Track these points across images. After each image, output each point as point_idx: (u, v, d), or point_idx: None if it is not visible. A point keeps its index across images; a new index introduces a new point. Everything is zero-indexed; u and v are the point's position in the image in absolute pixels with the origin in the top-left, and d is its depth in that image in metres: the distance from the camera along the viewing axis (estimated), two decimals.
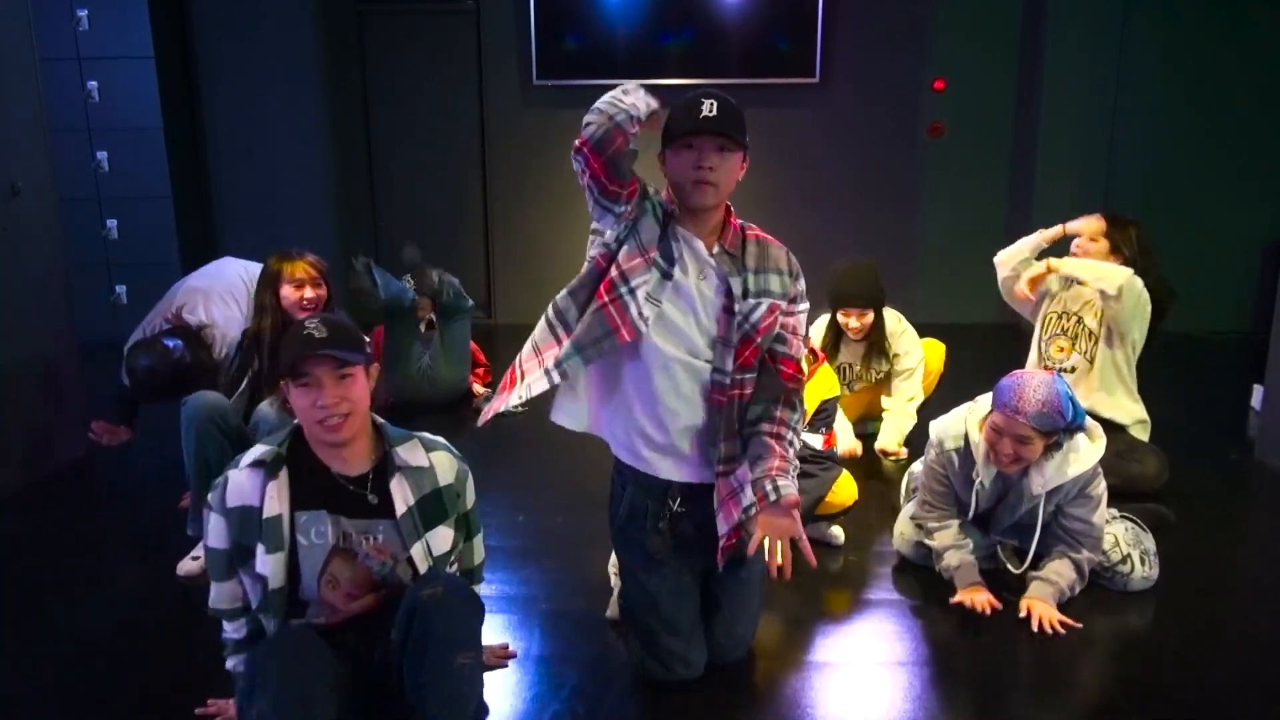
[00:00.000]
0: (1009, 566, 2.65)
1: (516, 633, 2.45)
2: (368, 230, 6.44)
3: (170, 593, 2.67)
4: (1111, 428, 3.24)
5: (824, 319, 3.65)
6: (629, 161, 1.94)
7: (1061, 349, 3.32)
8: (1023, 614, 2.47)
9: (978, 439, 2.54)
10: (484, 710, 1.96)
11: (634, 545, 2.20)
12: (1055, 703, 2.22)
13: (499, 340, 5.86)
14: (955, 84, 6.02)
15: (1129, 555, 2.62)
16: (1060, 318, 3.35)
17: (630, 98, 1.94)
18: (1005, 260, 3.40)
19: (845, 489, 3.05)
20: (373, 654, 1.82)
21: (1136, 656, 2.43)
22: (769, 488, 2.01)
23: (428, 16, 6.14)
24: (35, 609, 2.63)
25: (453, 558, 1.95)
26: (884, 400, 3.72)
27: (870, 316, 3.56)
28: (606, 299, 2.02)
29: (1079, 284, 3.30)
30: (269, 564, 1.78)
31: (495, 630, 2.42)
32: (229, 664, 1.92)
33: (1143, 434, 3.33)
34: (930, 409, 3.32)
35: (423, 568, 1.86)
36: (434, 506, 1.90)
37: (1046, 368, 3.29)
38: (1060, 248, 3.40)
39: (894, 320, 3.68)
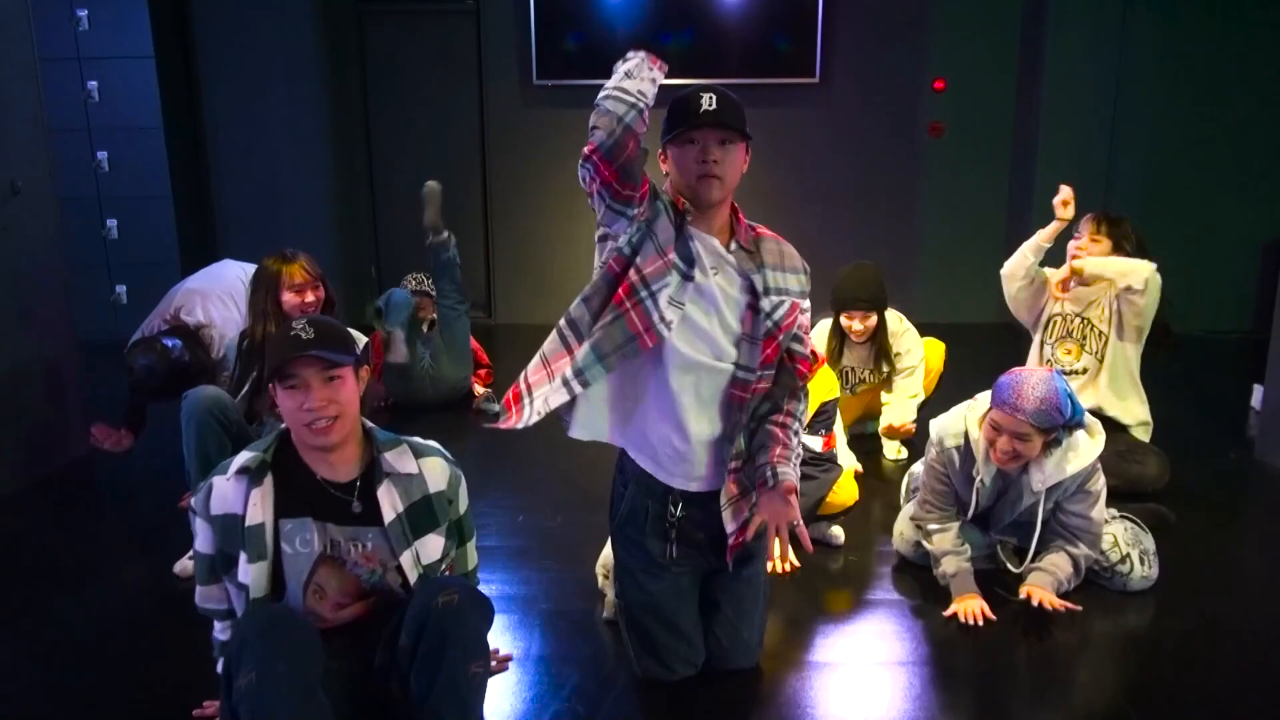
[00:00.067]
0: (1008, 566, 2.66)
1: (516, 633, 2.45)
2: (368, 230, 6.45)
3: (170, 591, 2.67)
4: (1114, 428, 3.24)
5: (826, 323, 3.65)
6: (641, 163, 1.91)
7: (1069, 351, 3.32)
8: (1022, 596, 2.48)
9: (977, 436, 2.55)
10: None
11: (633, 545, 2.19)
12: (1055, 702, 2.22)
13: (499, 340, 5.86)
14: (955, 84, 6.02)
15: (1128, 555, 2.62)
16: (1065, 320, 3.35)
17: (635, 82, 1.87)
18: (1012, 272, 3.34)
19: (845, 489, 3.05)
20: (368, 659, 1.79)
21: (1136, 656, 2.43)
22: (769, 474, 2.04)
23: (428, 16, 6.15)
24: (35, 608, 2.63)
25: (444, 565, 1.91)
26: (884, 396, 3.73)
27: (874, 319, 3.56)
28: (628, 304, 1.96)
29: (1082, 284, 3.31)
30: (251, 573, 1.74)
31: (495, 630, 2.42)
32: (219, 665, 1.87)
33: (1144, 435, 3.33)
34: (930, 408, 3.32)
35: (412, 576, 1.82)
36: (424, 514, 1.86)
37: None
38: (1059, 249, 3.39)
39: (895, 320, 3.68)
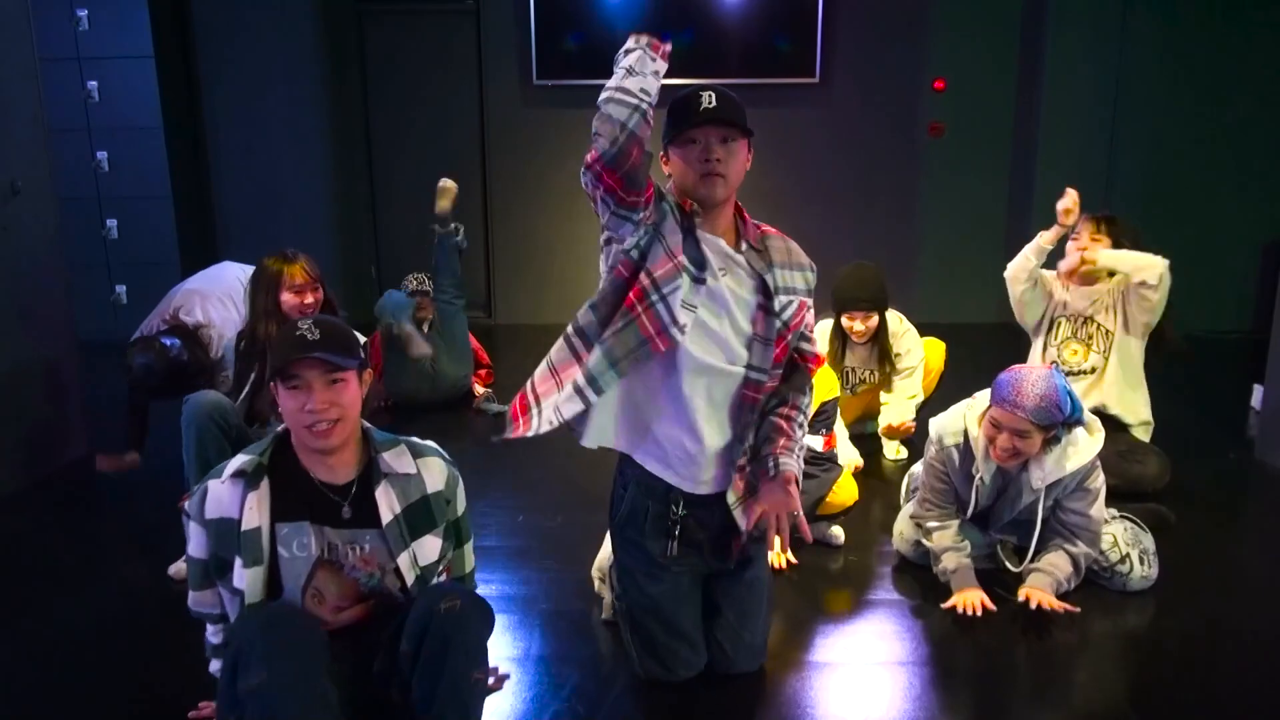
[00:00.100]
0: (1008, 565, 2.66)
1: (516, 633, 2.45)
2: (368, 230, 6.45)
3: (169, 592, 2.66)
4: (1115, 427, 3.25)
5: (827, 323, 3.65)
6: (646, 168, 1.88)
7: (1075, 352, 3.32)
8: (1021, 599, 2.48)
9: (976, 434, 2.55)
10: None
11: (633, 546, 2.19)
12: (1055, 702, 2.22)
13: (499, 340, 5.86)
14: (955, 84, 6.02)
15: (1128, 555, 2.62)
16: (1069, 321, 3.35)
17: (637, 79, 1.84)
18: (1015, 275, 3.33)
19: (845, 489, 3.05)
20: (367, 663, 1.77)
21: (1136, 656, 2.43)
22: (771, 464, 2.05)
23: (428, 16, 6.15)
24: (35, 608, 2.63)
25: (441, 567, 1.89)
26: (883, 396, 3.73)
27: (875, 320, 3.56)
28: (639, 308, 1.95)
29: (1085, 283, 3.31)
30: (246, 578, 1.72)
31: (495, 631, 2.41)
32: (212, 667, 1.88)
33: (1144, 435, 3.34)
34: (930, 408, 3.32)
35: (409, 578, 1.80)
36: (422, 514, 1.84)
37: (1062, 372, 3.29)
38: (1059, 251, 3.39)
39: (895, 321, 3.68)
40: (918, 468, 2.95)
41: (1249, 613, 2.59)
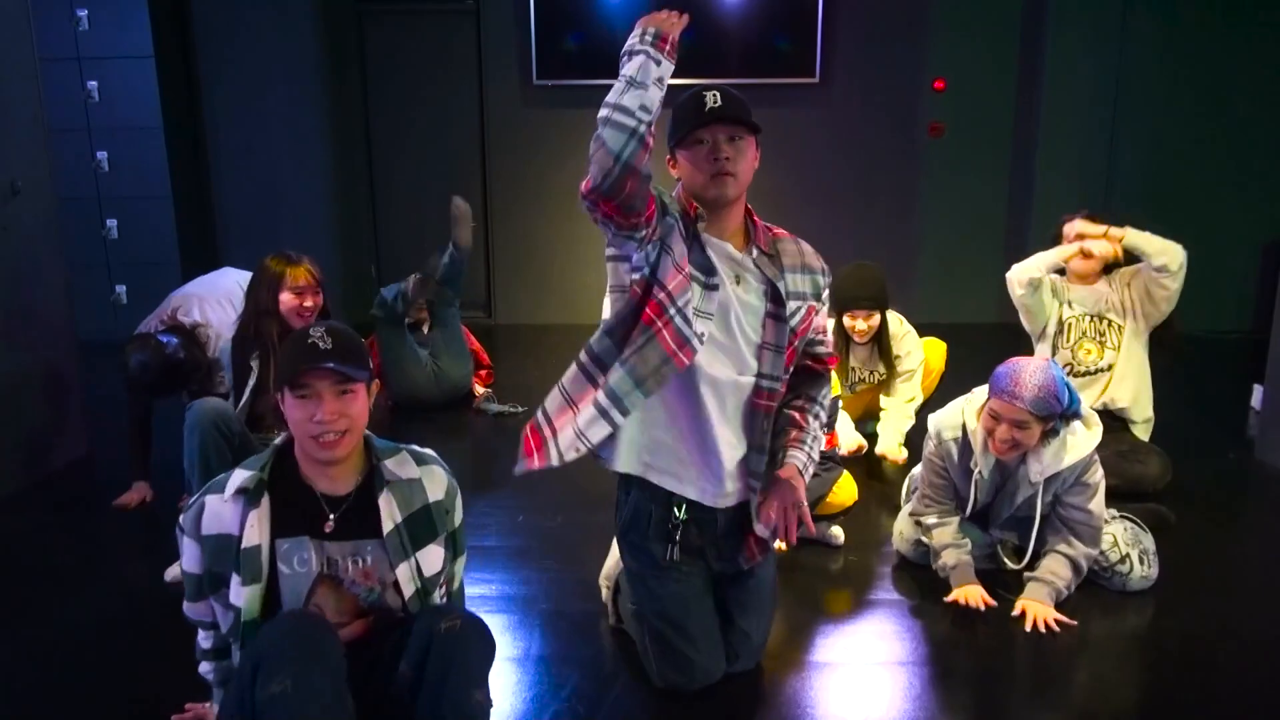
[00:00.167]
0: (1008, 563, 2.66)
1: (516, 633, 2.45)
2: (368, 230, 6.45)
3: (168, 592, 2.66)
4: (1119, 426, 3.26)
5: (828, 323, 3.64)
6: (644, 192, 1.83)
7: (1089, 352, 3.32)
8: (1016, 613, 2.49)
9: (975, 427, 2.56)
10: None
11: (639, 550, 2.16)
12: (1054, 703, 2.22)
13: (499, 340, 5.86)
14: (955, 84, 6.02)
15: (1128, 555, 2.62)
16: (1079, 321, 3.35)
17: (637, 93, 1.76)
18: (1019, 278, 3.31)
19: (845, 489, 3.05)
20: (366, 680, 1.74)
21: (1135, 656, 2.43)
22: (780, 456, 2.06)
23: (428, 16, 6.15)
24: (35, 608, 2.63)
25: (442, 579, 1.85)
26: (883, 400, 3.72)
27: (876, 319, 3.57)
28: (659, 323, 1.92)
29: (1084, 283, 3.31)
30: (244, 596, 1.69)
31: (495, 630, 2.41)
32: (201, 668, 1.86)
33: (1145, 433, 3.34)
34: (930, 408, 3.31)
35: (408, 590, 1.77)
36: (423, 524, 1.81)
37: (1078, 373, 3.31)
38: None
39: (895, 322, 3.68)
40: (918, 469, 2.95)
41: (1249, 613, 2.59)
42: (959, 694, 2.24)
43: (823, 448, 2.92)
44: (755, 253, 2.02)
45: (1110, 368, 3.31)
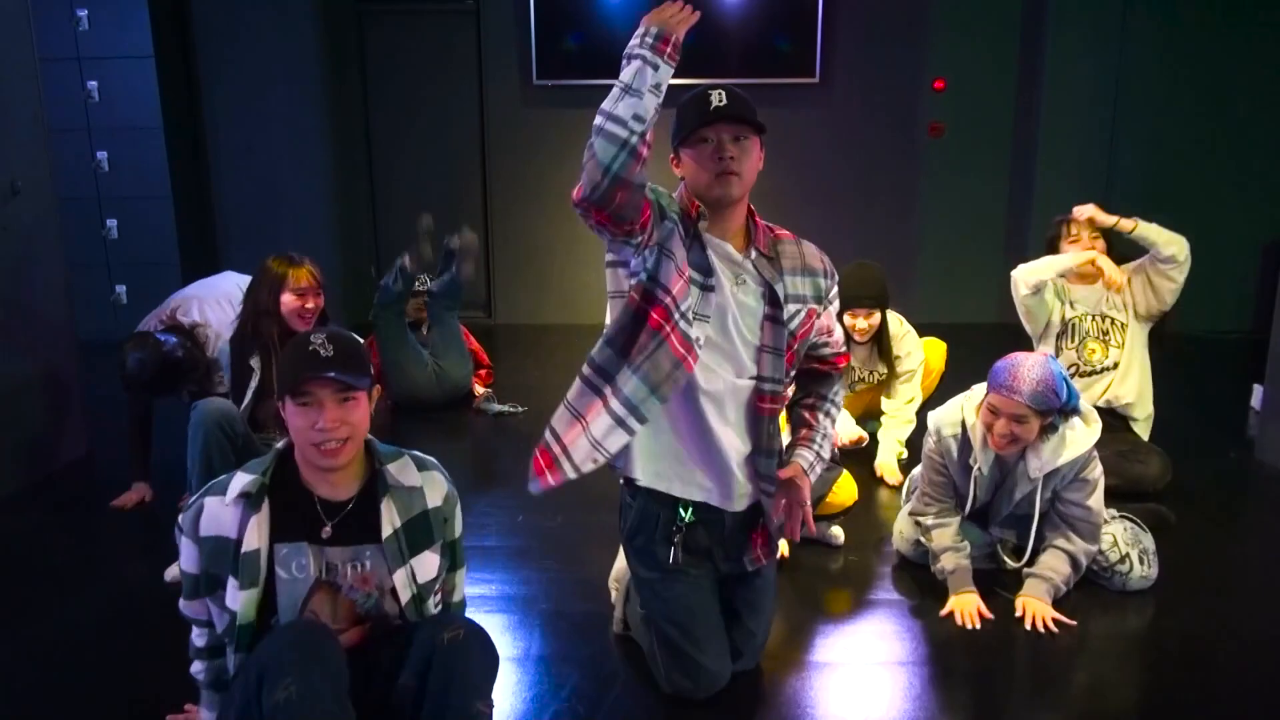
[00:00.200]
0: (1008, 562, 2.66)
1: (516, 633, 2.45)
2: (368, 230, 6.45)
3: (168, 592, 2.66)
4: (1121, 425, 3.26)
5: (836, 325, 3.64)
6: (638, 200, 1.81)
7: (1094, 351, 3.33)
8: (1018, 614, 2.49)
9: (974, 422, 2.56)
10: None
11: (647, 555, 2.14)
12: (1055, 703, 2.22)
13: (499, 340, 5.86)
14: (955, 84, 6.02)
15: (1128, 555, 2.62)
16: (1081, 321, 3.35)
17: (631, 101, 1.72)
18: (1028, 279, 3.29)
19: (845, 489, 3.05)
20: (365, 687, 1.72)
21: (1135, 656, 2.43)
22: (788, 456, 2.08)
23: (428, 16, 6.15)
24: (35, 608, 2.63)
25: (437, 586, 1.84)
26: (884, 404, 3.72)
27: (877, 317, 3.57)
28: (667, 328, 1.91)
29: (1085, 282, 3.32)
30: (240, 599, 1.68)
31: (496, 630, 2.42)
32: (193, 668, 1.85)
33: (1146, 430, 3.35)
34: (930, 409, 3.32)
35: (404, 596, 1.75)
36: (421, 530, 1.79)
37: (1084, 373, 3.31)
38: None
39: (895, 323, 3.68)
40: (918, 469, 2.95)
41: (1249, 613, 2.59)
42: (959, 694, 2.24)
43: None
44: (754, 254, 2.01)
45: (1116, 366, 3.32)
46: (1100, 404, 3.24)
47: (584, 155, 1.77)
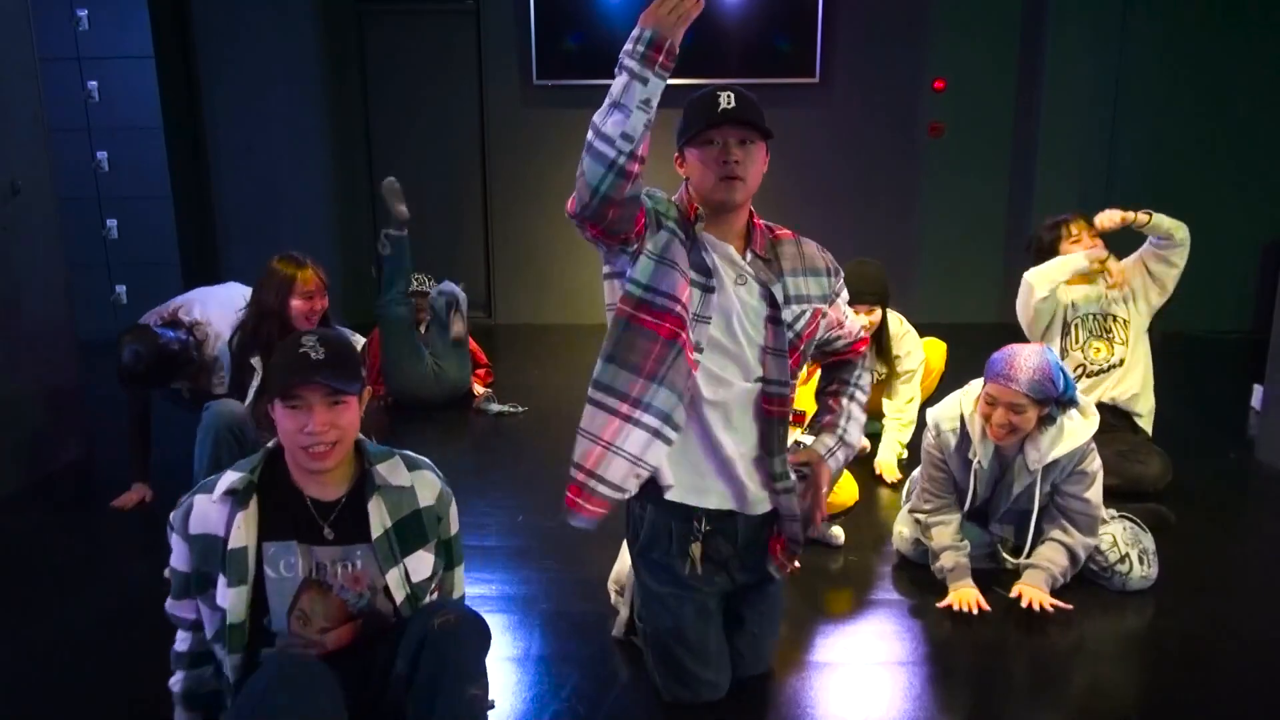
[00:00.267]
0: (1007, 558, 2.66)
1: (516, 633, 2.45)
2: (368, 230, 6.44)
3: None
4: (1127, 423, 3.26)
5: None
6: (631, 213, 1.82)
7: (1099, 350, 3.33)
8: (1013, 594, 2.50)
9: (971, 412, 2.57)
10: None
11: (659, 569, 2.11)
12: (1054, 703, 2.22)
13: (499, 340, 5.86)
14: (955, 84, 6.02)
15: (1127, 555, 2.63)
16: (1084, 321, 3.35)
17: (619, 119, 1.70)
18: (1043, 282, 3.28)
19: (845, 489, 3.06)
20: (360, 688, 1.72)
21: (1135, 656, 2.43)
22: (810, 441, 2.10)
23: (428, 16, 6.15)
24: (35, 608, 2.63)
25: (433, 585, 1.83)
26: (884, 404, 3.72)
27: (878, 314, 3.57)
28: (683, 336, 1.91)
29: (1084, 282, 3.32)
30: (230, 597, 1.67)
31: (496, 630, 2.41)
32: (170, 681, 1.84)
33: (1149, 424, 3.35)
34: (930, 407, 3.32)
35: (399, 596, 1.75)
36: (413, 529, 1.78)
37: (1090, 373, 3.31)
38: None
39: (895, 322, 3.68)
40: (918, 471, 2.95)
41: (1249, 613, 2.59)
42: (959, 694, 2.25)
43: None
44: (750, 257, 2.00)
45: (1121, 362, 3.33)
46: (1105, 401, 3.24)
47: (577, 168, 1.77)
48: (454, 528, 1.89)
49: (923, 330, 3.80)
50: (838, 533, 2.99)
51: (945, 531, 2.63)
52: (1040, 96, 5.80)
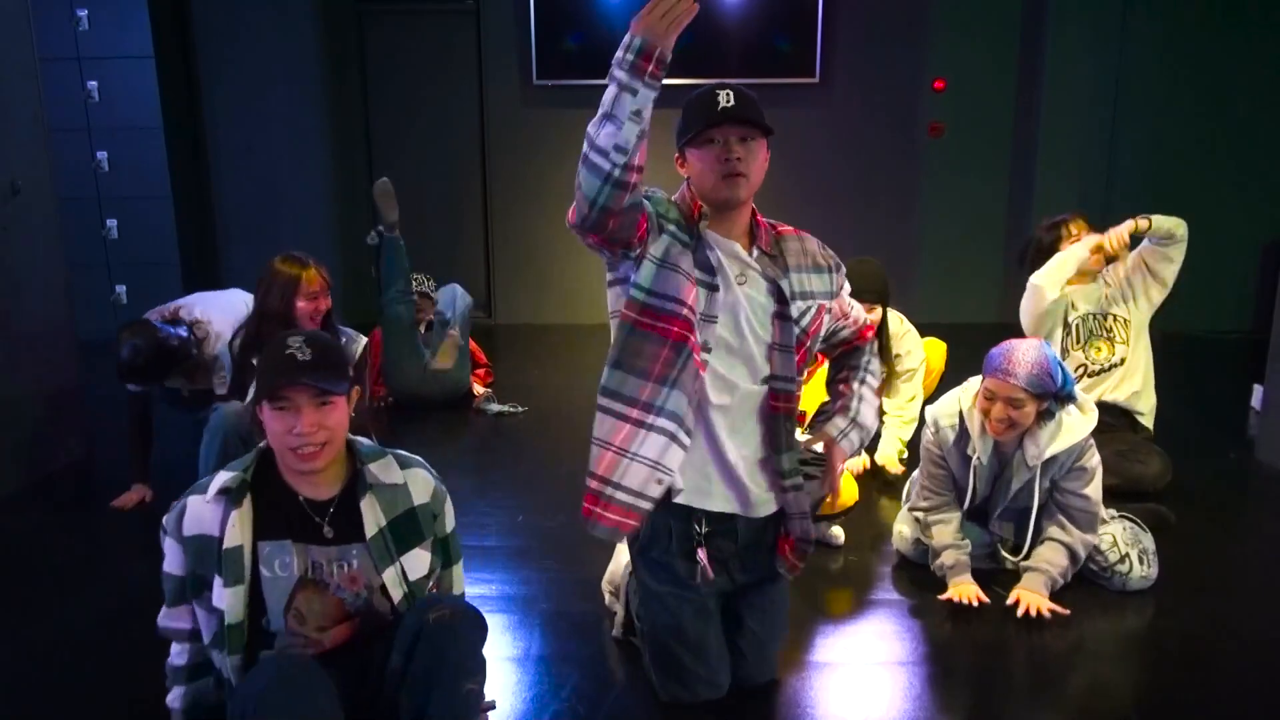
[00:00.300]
0: (1006, 555, 2.66)
1: (516, 633, 2.45)
2: (368, 230, 6.42)
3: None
4: (1129, 422, 3.26)
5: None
6: (632, 221, 1.81)
7: (1100, 350, 3.33)
8: (1010, 602, 2.50)
9: (970, 408, 2.58)
10: None
11: (660, 568, 2.11)
12: (1054, 703, 2.22)
13: (499, 340, 5.86)
14: (955, 84, 6.02)
15: (1127, 555, 2.62)
16: (1085, 322, 3.36)
17: (611, 131, 1.68)
18: (1052, 282, 3.26)
19: (845, 489, 3.05)
20: (358, 686, 1.72)
21: (1135, 656, 2.43)
22: (822, 425, 2.13)
23: (428, 16, 6.15)
24: (35, 608, 2.63)
25: (430, 584, 1.83)
26: (885, 403, 3.72)
27: (878, 313, 3.57)
28: (692, 339, 1.91)
29: (1082, 281, 3.31)
30: (227, 597, 1.67)
31: (495, 630, 2.42)
32: (169, 698, 1.83)
33: (1150, 421, 3.36)
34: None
35: (396, 595, 1.75)
36: (408, 527, 1.78)
37: (1092, 373, 3.31)
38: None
39: (895, 322, 3.68)
40: (918, 473, 2.94)
41: (1249, 613, 2.59)
42: (959, 694, 2.25)
43: (821, 449, 2.93)
44: (756, 253, 2.00)
45: (1123, 361, 3.33)
46: (1108, 400, 3.24)
47: (575, 179, 1.76)
48: (450, 525, 1.89)
49: (923, 330, 3.80)
50: (838, 533, 2.99)
51: (946, 530, 2.63)
52: (1040, 96, 5.80)
